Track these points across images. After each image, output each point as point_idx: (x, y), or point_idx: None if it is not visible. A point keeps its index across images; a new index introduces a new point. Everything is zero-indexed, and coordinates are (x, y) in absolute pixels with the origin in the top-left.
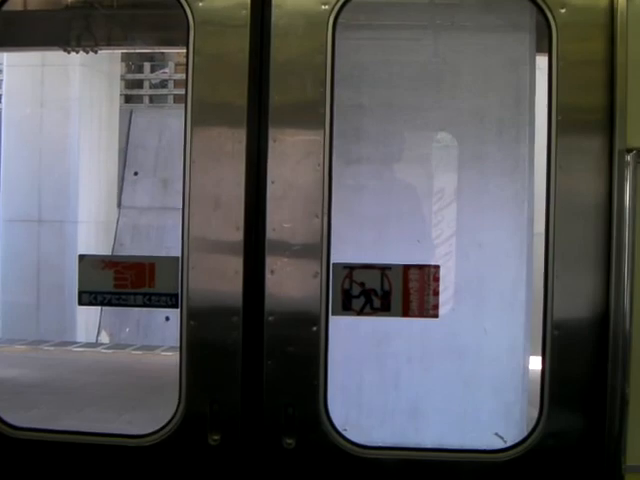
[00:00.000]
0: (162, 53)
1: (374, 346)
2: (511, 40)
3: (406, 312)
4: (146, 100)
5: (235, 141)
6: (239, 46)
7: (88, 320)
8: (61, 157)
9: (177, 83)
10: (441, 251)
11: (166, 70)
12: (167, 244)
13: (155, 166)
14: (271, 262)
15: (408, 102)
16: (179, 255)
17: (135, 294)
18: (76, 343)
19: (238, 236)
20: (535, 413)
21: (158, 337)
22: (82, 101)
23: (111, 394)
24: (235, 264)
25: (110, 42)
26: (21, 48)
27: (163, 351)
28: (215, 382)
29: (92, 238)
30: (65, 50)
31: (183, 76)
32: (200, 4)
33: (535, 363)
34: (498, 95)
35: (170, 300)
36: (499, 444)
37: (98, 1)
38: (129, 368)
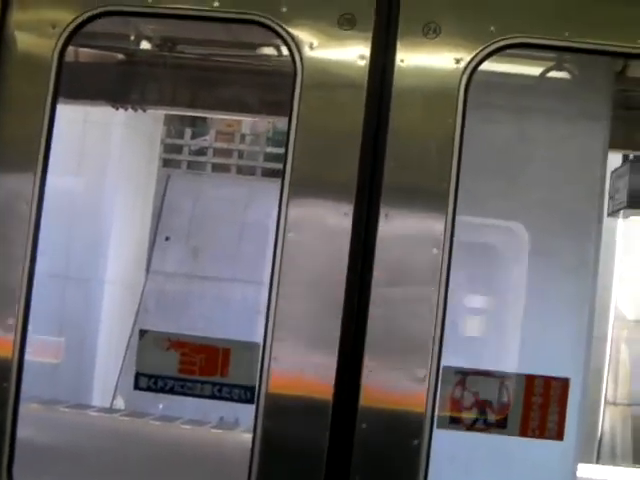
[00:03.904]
0: (204, 120)
1: None
2: (586, 130)
3: (525, 431)
4: (184, 166)
5: (340, 215)
6: (353, 107)
7: (106, 383)
8: (94, 215)
9: (216, 152)
10: (496, 347)
11: (206, 138)
12: (192, 313)
13: (187, 233)
14: (370, 359)
15: (478, 187)
16: (254, 337)
17: (203, 383)
18: (92, 407)
19: (334, 326)
20: None
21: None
22: (121, 161)
23: (127, 465)
24: (327, 358)
25: (175, 103)
26: (70, 101)
27: (182, 423)
28: None
29: (117, 299)
30: (114, 107)
31: (223, 145)
32: (310, 53)
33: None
34: (570, 187)
35: (245, 394)
36: None
37: (170, 61)
38: (146, 438)
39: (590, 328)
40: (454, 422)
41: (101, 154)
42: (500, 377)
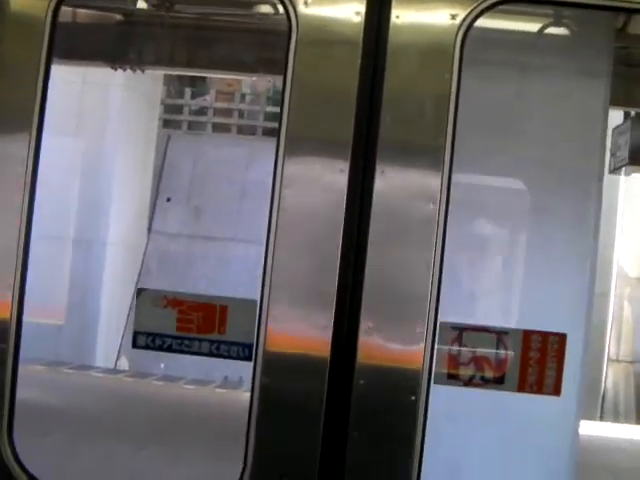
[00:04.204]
0: (204, 79)
1: None
2: (586, 87)
3: (523, 386)
4: (184, 126)
5: (335, 172)
6: (348, 64)
7: (109, 343)
8: (95, 176)
9: (217, 111)
10: (495, 305)
11: (206, 97)
12: (194, 273)
13: (189, 193)
14: (367, 316)
15: (471, 144)
16: (256, 298)
17: (201, 340)
18: (96, 368)
19: (331, 282)
20: None
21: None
22: (121, 121)
23: (131, 426)
24: (325, 315)
25: (167, 62)
26: (69, 62)
27: (185, 383)
28: (288, 453)
29: (119, 261)
30: (112, 67)
31: (224, 104)
32: (305, 10)
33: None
34: (570, 144)
35: (242, 351)
36: None
37: (167, 20)
38: (150, 399)
39: (591, 285)
40: (451, 378)
41: (101, 115)
42: (497, 333)
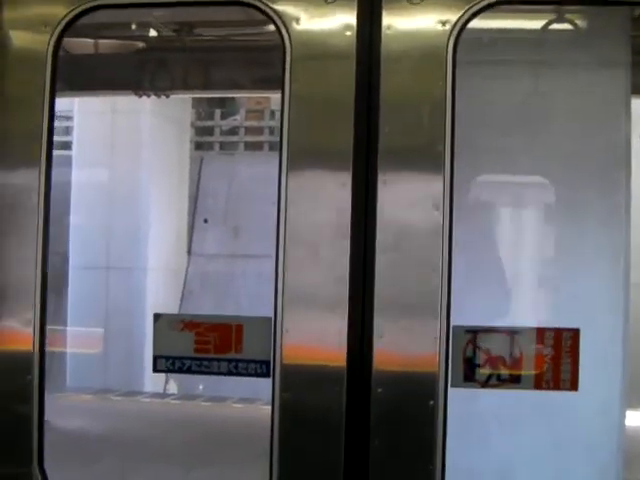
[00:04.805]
0: (233, 99)
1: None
2: (606, 78)
3: (539, 384)
4: (216, 147)
5: (339, 185)
6: (343, 77)
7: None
8: (132, 203)
9: (248, 130)
10: (531, 303)
11: (237, 117)
12: (235, 291)
13: (225, 214)
14: (380, 324)
15: (496, 144)
16: (270, 314)
17: (219, 360)
18: (144, 393)
19: (342, 293)
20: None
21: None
22: (153, 147)
23: (179, 449)
24: (338, 326)
25: (189, 86)
26: (92, 92)
27: (234, 403)
28: (312, 465)
29: (161, 285)
30: (137, 94)
31: (254, 123)
32: (297, 28)
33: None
34: (593, 137)
35: (260, 368)
36: None
37: (178, 45)
38: (198, 420)
39: (627, 277)
40: (468, 380)
41: (133, 143)
42: (511, 332)
